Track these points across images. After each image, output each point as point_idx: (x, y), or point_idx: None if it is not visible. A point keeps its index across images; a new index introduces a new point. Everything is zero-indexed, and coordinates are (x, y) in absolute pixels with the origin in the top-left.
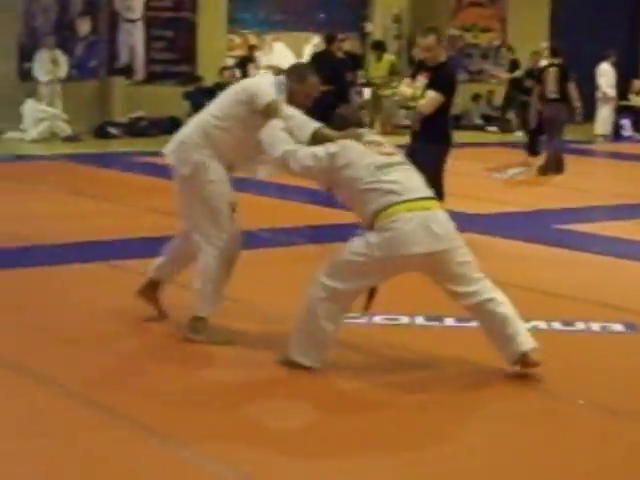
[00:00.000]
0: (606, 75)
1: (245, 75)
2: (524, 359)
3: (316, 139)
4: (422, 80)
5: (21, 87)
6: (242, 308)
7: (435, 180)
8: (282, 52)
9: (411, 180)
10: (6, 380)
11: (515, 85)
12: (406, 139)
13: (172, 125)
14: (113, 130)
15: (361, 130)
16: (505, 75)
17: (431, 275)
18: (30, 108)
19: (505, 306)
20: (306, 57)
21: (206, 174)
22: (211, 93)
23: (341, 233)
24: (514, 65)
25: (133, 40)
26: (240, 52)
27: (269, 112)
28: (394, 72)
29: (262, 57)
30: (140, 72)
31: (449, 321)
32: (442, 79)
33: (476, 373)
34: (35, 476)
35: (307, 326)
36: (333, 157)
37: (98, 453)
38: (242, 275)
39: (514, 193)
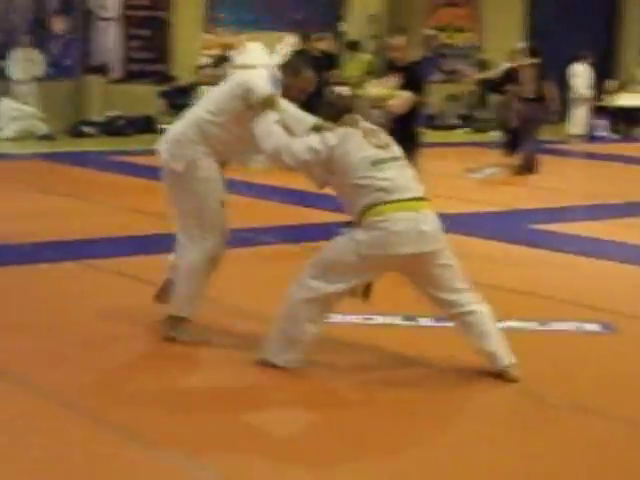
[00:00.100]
0: (581, 76)
1: (221, 74)
2: (503, 374)
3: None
4: (392, 80)
5: None
6: (216, 307)
7: None
8: (258, 51)
9: (403, 178)
10: None
11: (485, 85)
12: None
13: (147, 124)
14: (89, 129)
15: (356, 116)
16: (477, 75)
17: (412, 276)
18: (6, 107)
19: (486, 320)
20: (282, 56)
21: (198, 171)
22: (186, 92)
23: (314, 233)
24: (484, 65)
25: (109, 39)
26: (215, 51)
27: (265, 106)
28: (370, 72)
29: (237, 56)
30: (116, 71)
31: (425, 321)
32: (413, 79)
33: (452, 373)
34: None
35: (288, 327)
36: (332, 149)
37: (80, 459)
38: (215, 274)
39: (489, 193)
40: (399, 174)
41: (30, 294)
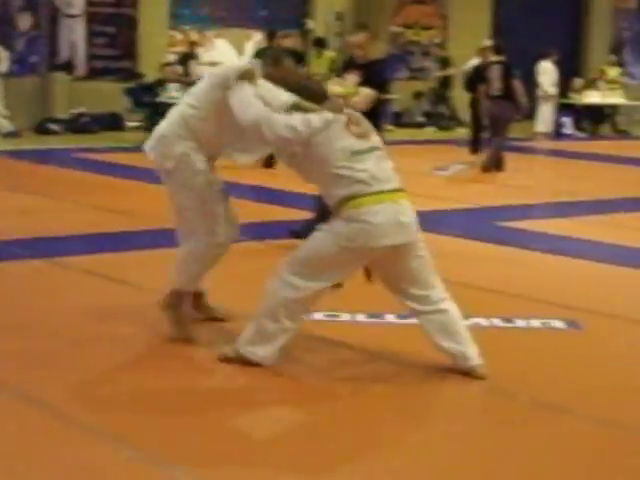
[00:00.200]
0: (547, 73)
1: (186, 71)
2: (470, 372)
3: (294, 111)
4: (352, 78)
5: None
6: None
7: None
8: (224, 48)
9: (382, 169)
10: None
11: (444, 82)
12: None
13: (113, 121)
14: (54, 126)
15: (340, 102)
16: (439, 72)
17: (388, 269)
18: None
19: (456, 319)
20: (248, 53)
21: (190, 166)
22: (152, 89)
23: (282, 230)
24: (445, 62)
25: (74, 36)
26: (181, 48)
27: (245, 76)
28: (333, 69)
29: (204, 53)
30: (81, 68)
31: (390, 317)
32: (374, 76)
33: (418, 370)
34: None
35: (268, 324)
36: (314, 133)
37: (63, 464)
38: None
39: (456, 190)
40: (378, 165)
41: None
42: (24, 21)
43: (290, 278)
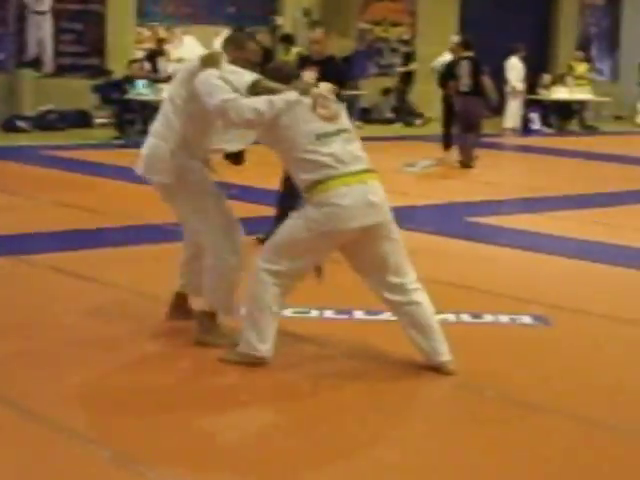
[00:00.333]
0: (515, 69)
1: (154, 68)
2: (440, 367)
3: (256, 90)
4: (309, 74)
5: None
6: (160, 303)
7: None
8: (192, 45)
9: (349, 152)
10: None
11: (406, 78)
12: None
13: (81, 118)
14: (22, 124)
15: (309, 82)
16: (401, 68)
17: (361, 255)
18: None
19: (428, 314)
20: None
21: (190, 175)
22: (120, 86)
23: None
24: (407, 58)
25: (42, 33)
26: (149, 45)
27: (207, 62)
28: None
29: (172, 50)
30: (49, 65)
31: (358, 314)
32: (332, 71)
33: (386, 366)
34: None
35: (258, 316)
36: (278, 115)
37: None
38: (149, 270)
39: (425, 186)
40: (344, 148)
41: None
42: None
43: (267, 266)
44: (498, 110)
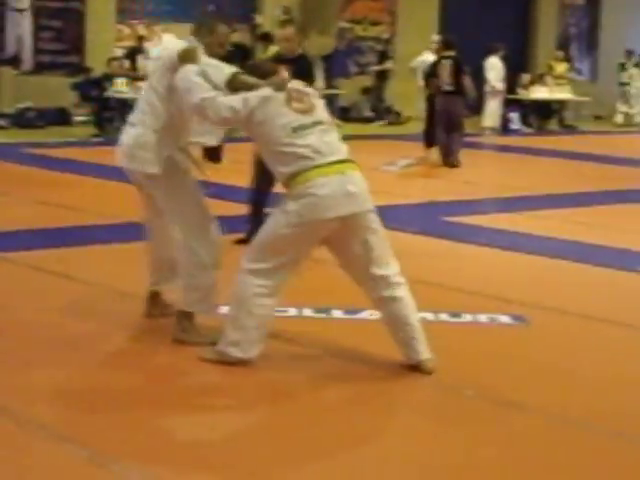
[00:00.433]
0: (495, 69)
1: (134, 66)
2: (419, 366)
3: (234, 85)
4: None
5: None
6: (137, 301)
7: None
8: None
9: (326, 144)
10: None
11: (381, 76)
12: None
13: (60, 116)
14: (0, 121)
15: (283, 77)
16: (375, 67)
17: (343, 247)
18: None
19: (409, 311)
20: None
21: (177, 166)
22: (99, 84)
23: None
24: (382, 57)
25: (21, 30)
26: (129, 43)
27: (184, 57)
28: None
29: (151, 48)
30: (28, 62)
31: (337, 313)
32: (303, 69)
33: (365, 365)
34: None
35: (242, 318)
36: (252, 112)
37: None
38: (128, 268)
39: (403, 185)
40: (321, 139)
41: None
42: None
43: (251, 265)
44: (477, 109)
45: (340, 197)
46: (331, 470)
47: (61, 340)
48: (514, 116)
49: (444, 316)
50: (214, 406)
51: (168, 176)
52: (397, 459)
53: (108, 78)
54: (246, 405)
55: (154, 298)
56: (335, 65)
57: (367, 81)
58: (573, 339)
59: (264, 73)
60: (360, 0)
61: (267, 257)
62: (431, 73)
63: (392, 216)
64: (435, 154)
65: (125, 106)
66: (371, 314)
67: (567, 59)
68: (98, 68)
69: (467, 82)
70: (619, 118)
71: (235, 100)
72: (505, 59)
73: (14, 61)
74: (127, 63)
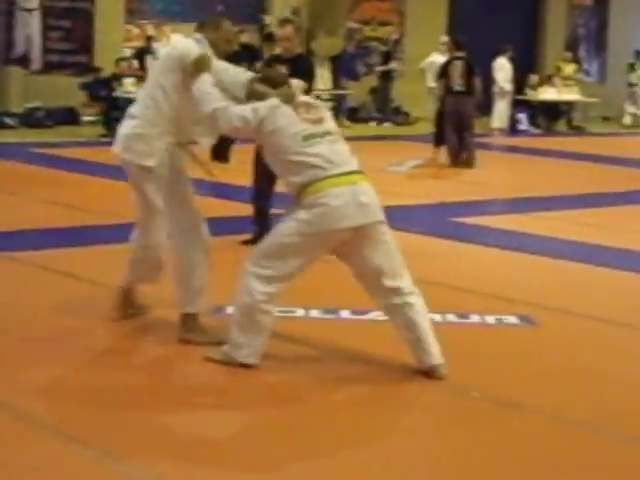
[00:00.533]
0: (503, 70)
1: (142, 66)
2: (431, 371)
3: (250, 96)
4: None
5: None
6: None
7: None
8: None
9: (337, 153)
10: None
11: (385, 77)
12: None
13: (69, 115)
14: (9, 120)
15: (292, 90)
16: (380, 67)
17: (355, 257)
18: None
19: (422, 318)
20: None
21: (174, 160)
22: (108, 84)
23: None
24: (387, 57)
25: (30, 30)
26: (138, 43)
27: (198, 68)
28: None
29: (160, 48)
30: (36, 62)
31: (345, 314)
32: (302, 68)
33: (372, 366)
34: None
35: (245, 322)
36: (261, 121)
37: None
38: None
39: (411, 186)
40: (332, 148)
41: None
42: None
43: (256, 269)
44: (485, 110)
45: (352, 208)
46: (336, 469)
47: (67, 339)
48: (522, 117)
49: (451, 317)
50: (219, 405)
51: (162, 171)
52: (403, 459)
53: (117, 78)
54: (252, 406)
55: (127, 295)
56: (343, 66)
57: (374, 82)
58: (581, 340)
59: (275, 83)
60: (369, 1)
61: (273, 263)
62: (442, 73)
63: (400, 217)
64: (443, 155)
65: None
66: (379, 315)
67: (575, 60)
68: (107, 68)
69: (477, 83)
70: (627, 119)
71: (246, 110)
72: (513, 60)
73: (23, 61)
74: (136, 63)
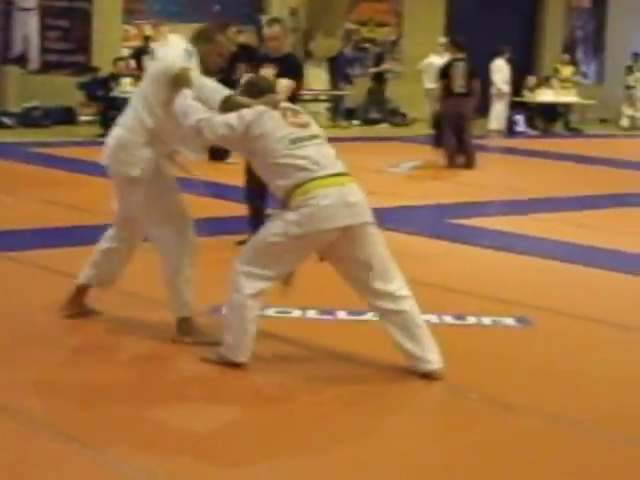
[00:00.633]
0: (501, 71)
1: (140, 66)
2: (428, 375)
3: (228, 106)
4: (268, 71)
5: None
6: (135, 301)
7: None
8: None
9: (324, 156)
10: None
11: (378, 78)
12: None
13: (66, 115)
14: (7, 120)
15: (277, 97)
16: (372, 69)
17: (345, 260)
18: None
19: (417, 322)
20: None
21: (160, 170)
22: (106, 83)
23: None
24: (379, 58)
25: (28, 29)
26: (135, 43)
27: (179, 82)
28: None
29: (158, 48)
30: (34, 61)
31: (341, 314)
32: (290, 68)
33: (369, 367)
34: None
35: (234, 320)
36: (248, 127)
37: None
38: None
39: (409, 187)
40: (319, 152)
41: None
42: None
43: (245, 268)
44: (483, 112)
45: (340, 208)
46: (327, 468)
47: (65, 338)
48: (520, 119)
49: (448, 318)
50: (212, 404)
51: (148, 180)
52: (397, 460)
53: (114, 78)
54: (246, 406)
55: (79, 293)
56: (338, 69)
57: (369, 83)
58: (578, 341)
59: (261, 90)
60: (366, 1)
61: (261, 262)
62: (443, 75)
63: (396, 218)
64: (441, 156)
65: None
66: (376, 316)
67: (573, 62)
68: (104, 68)
69: (476, 86)
70: (625, 121)
71: (231, 117)
72: (511, 62)
73: (21, 60)
74: (133, 63)
